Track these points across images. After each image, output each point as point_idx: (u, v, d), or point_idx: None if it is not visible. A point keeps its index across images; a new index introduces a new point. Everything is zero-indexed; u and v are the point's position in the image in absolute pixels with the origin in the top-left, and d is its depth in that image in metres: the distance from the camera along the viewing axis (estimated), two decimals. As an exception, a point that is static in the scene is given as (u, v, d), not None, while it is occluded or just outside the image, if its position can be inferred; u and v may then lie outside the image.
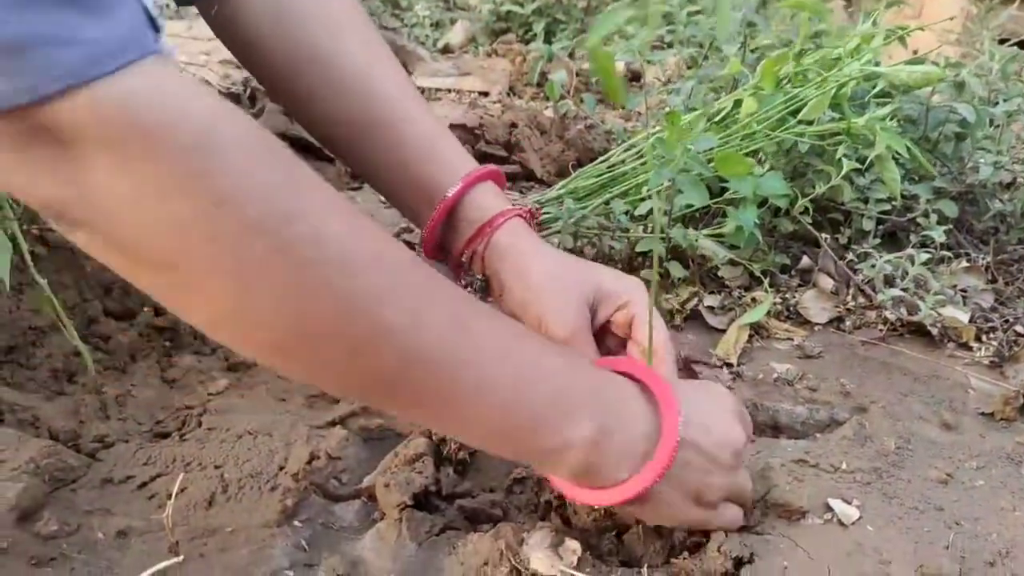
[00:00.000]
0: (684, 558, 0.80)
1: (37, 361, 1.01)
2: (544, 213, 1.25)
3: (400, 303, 0.59)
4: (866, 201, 1.21)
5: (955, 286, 1.16)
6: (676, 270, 1.17)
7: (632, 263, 1.27)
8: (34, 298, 0.87)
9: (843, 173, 1.07)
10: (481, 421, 0.65)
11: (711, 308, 1.18)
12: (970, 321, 1.13)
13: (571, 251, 1.29)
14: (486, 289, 0.92)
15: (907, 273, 1.08)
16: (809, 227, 1.17)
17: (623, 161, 1.29)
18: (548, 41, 2.49)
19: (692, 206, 1.17)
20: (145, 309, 1.11)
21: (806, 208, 1.18)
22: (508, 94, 2.27)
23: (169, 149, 0.50)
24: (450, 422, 0.67)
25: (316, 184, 0.58)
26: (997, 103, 1.39)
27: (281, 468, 0.86)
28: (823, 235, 1.22)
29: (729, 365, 1.09)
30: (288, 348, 0.58)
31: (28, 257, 0.88)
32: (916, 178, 1.35)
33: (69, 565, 0.74)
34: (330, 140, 0.92)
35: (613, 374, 0.73)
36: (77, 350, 1.01)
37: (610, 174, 1.26)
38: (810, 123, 1.14)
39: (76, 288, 1.09)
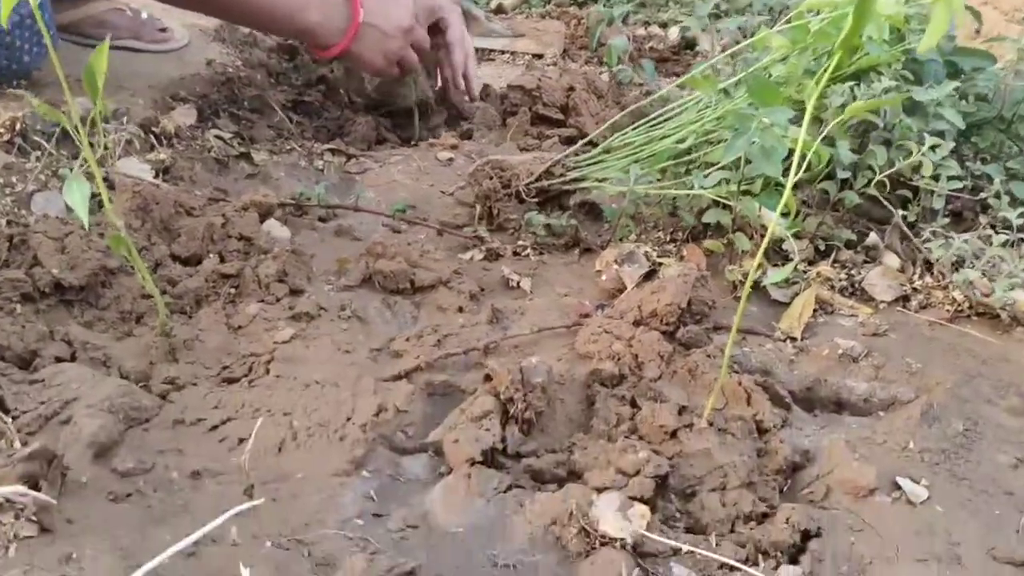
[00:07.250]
0: (751, 528, 0.80)
1: (107, 302, 1.02)
2: (602, 180, 1.24)
3: None
4: (937, 178, 1.18)
5: (1025, 269, 1.14)
6: (742, 242, 1.16)
7: (695, 231, 1.26)
8: (113, 241, 0.88)
9: (923, 150, 1.04)
10: (251, 11, 1.42)
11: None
12: (1041, 306, 1.10)
13: (633, 217, 1.28)
14: None
15: (978, 256, 1.06)
16: (884, 201, 1.14)
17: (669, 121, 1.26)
18: (607, 4, 2.45)
19: (762, 177, 1.15)
20: (210, 255, 1.11)
21: (876, 182, 1.16)
22: (562, 57, 2.24)
23: None
24: (233, 15, 1.49)
25: None
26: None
27: (349, 419, 0.87)
28: (898, 211, 1.20)
29: (793, 339, 1.08)
30: None
31: (105, 197, 0.88)
32: (987, 157, 1.32)
33: (146, 502, 0.75)
34: None
35: None
36: (145, 292, 1.02)
37: (668, 141, 1.24)
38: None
39: (144, 232, 1.10)
